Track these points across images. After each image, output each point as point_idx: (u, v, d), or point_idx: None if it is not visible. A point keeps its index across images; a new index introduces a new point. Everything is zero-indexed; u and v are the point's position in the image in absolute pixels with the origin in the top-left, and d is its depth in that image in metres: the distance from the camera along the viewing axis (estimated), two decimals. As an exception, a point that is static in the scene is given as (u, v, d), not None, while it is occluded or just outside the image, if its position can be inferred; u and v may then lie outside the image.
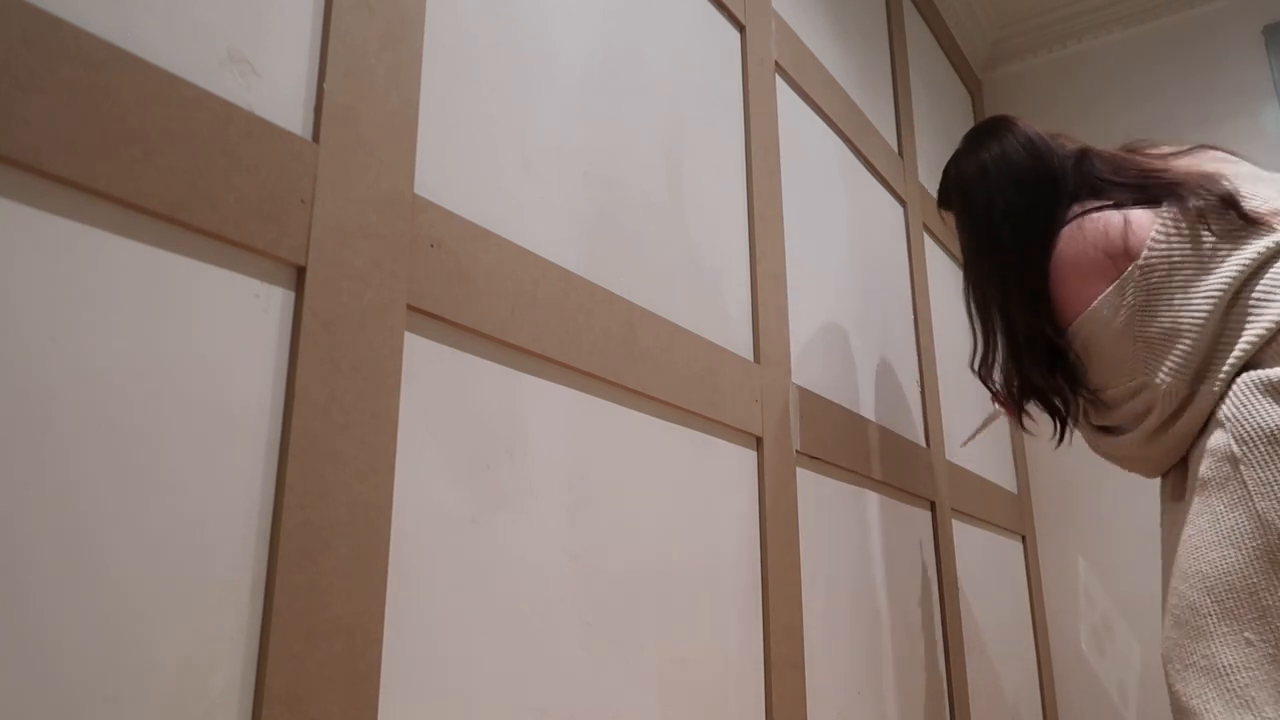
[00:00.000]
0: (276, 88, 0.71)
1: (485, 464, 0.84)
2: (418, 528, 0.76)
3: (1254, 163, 1.21)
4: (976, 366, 1.33)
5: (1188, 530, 1.06)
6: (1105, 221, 1.13)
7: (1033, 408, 1.32)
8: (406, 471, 0.76)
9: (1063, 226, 1.17)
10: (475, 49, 0.92)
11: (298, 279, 0.70)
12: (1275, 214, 1.07)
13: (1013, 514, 2.30)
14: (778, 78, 1.53)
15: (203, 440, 0.62)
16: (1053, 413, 1.26)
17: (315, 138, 0.73)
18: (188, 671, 0.59)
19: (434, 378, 0.81)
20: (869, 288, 1.76)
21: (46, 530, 0.54)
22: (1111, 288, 1.11)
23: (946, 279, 2.21)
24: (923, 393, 1.90)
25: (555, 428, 0.93)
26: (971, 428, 1.66)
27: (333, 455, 0.69)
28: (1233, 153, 1.21)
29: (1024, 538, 2.37)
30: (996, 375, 1.32)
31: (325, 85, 0.74)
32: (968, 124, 2.62)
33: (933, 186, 2.21)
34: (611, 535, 0.98)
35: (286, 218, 0.69)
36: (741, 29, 1.44)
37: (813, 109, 1.65)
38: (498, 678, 0.81)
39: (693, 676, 1.06)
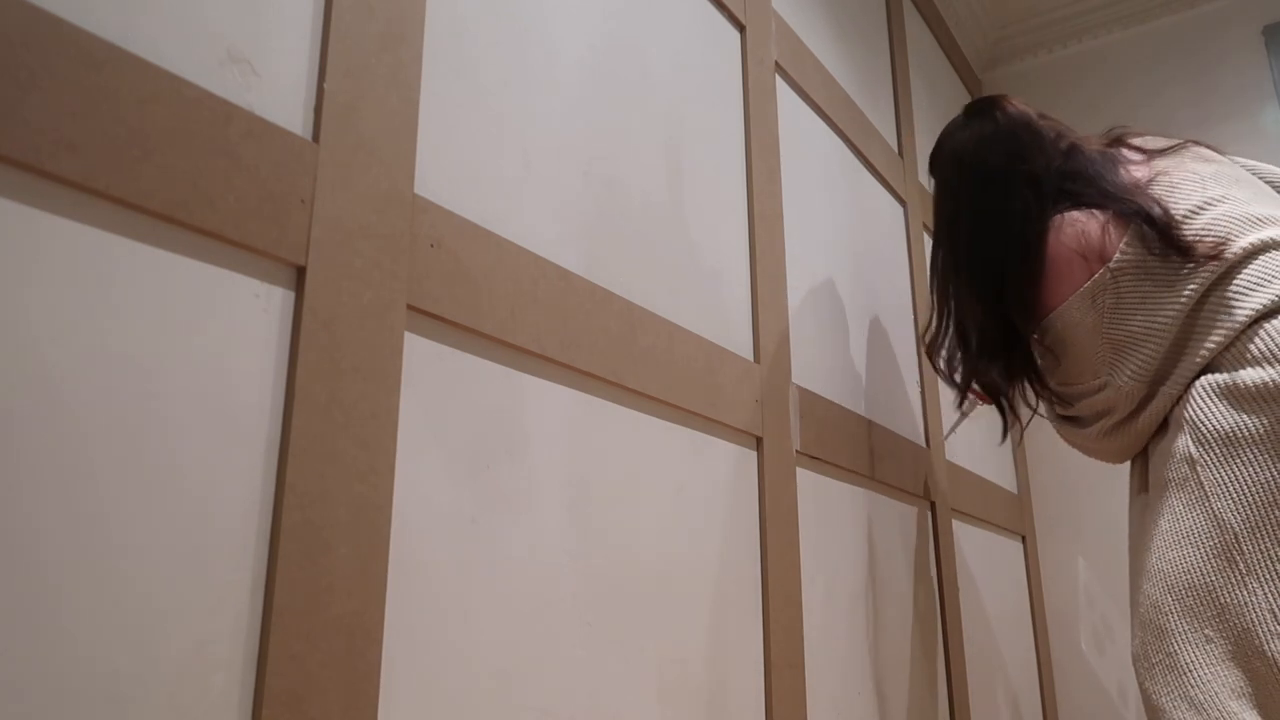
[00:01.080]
0: (276, 88, 0.71)
1: (485, 464, 0.84)
2: (418, 528, 0.76)
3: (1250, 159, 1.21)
4: (927, 342, 1.36)
5: (1150, 530, 1.08)
6: (1083, 224, 1.15)
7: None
8: (406, 471, 0.76)
9: (1043, 230, 1.17)
10: (475, 49, 0.92)
11: (298, 279, 0.70)
12: (1221, 242, 1.06)
13: (1013, 514, 2.30)
14: (778, 78, 1.53)
15: (203, 440, 0.62)
16: (999, 408, 1.30)
17: (315, 138, 0.73)
18: (188, 671, 0.59)
19: (434, 378, 0.81)
20: (869, 288, 1.76)
21: (45, 531, 0.54)
22: (1084, 288, 1.12)
23: (946, 279, 2.21)
24: (923, 393, 1.90)
25: (555, 428, 0.93)
26: (956, 419, 1.67)
27: (333, 455, 0.69)
28: (1216, 149, 1.21)
29: (1024, 538, 2.37)
30: (944, 355, 1.36)
31: (325, 85, 0.74)
32: (968, 124, 2.62)
33: (933, 186, 2.21)
34: (611, 535, 0.98)
35: (286, 218, 0.69)
36: (741, 29, 1.44)
37: (813, 109, 1.65)
38: (498, 677, 0.81)
39: (693, 676, 1.06)
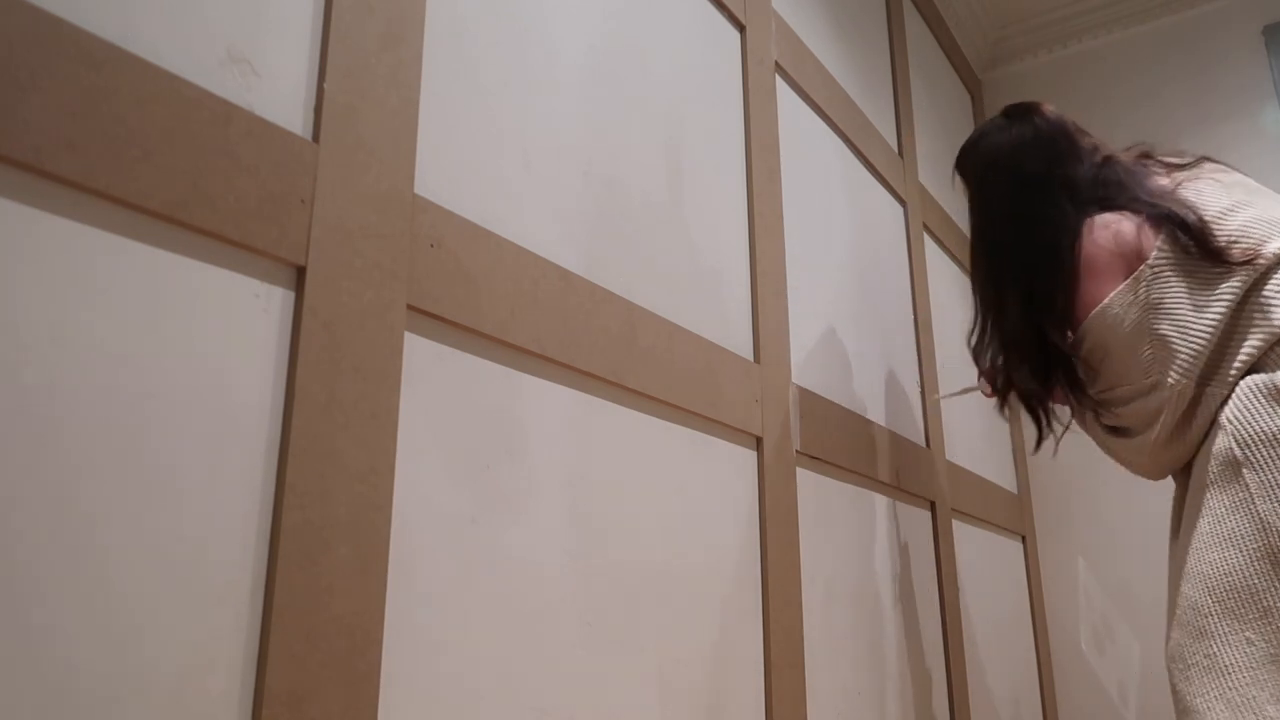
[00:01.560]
0: (276, 88, 0.71)
1: (485, 464, 0.84)
2: (418, 528, 0.76)
3: (1252, 166, 1.22)
4: (972, 344, 1.34)
5: (1190, 532, 1.07)
6: (1117, 225, 1.15)
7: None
8: (406, 471, 0.76)
9: (1076, 235, 1.17)
10: (475, 49, 0.92)
11: (298, 279, 0.70)
12: (1256, 245, 1.07)
13: (1013, 514, 2.30)
14: (778, 78, 1.53)
15: (203, 440, 0.62)
16: (1034, 416, 1.27)
17: (315, 138, 0.73)
18: (188, 671, 0.59)
19: (434, 378, 0.81)
20: (869, 288, 1.76)
21: (46, 530, 0.54)
22: (1124, 285, 1.12)
23: (947, 279, 2.21)
24: (923, 393, 1.90)
25: (555, 428, 0.93)
26: (957, 388, 1.64)
27: (333, 455, 0.69)
28: (1226, 164, 1.22)
29: (1024, 538, 2.37)
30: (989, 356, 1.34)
31: (325, 85, 0.74)
32: (968, 124, 2.62)
33: (933, 186, 2.21)
34: (611, 535, 0.98)
35: (286, 218, 0.69)
36: (741, 29, 1.44)
37: (813, 109, 1.65)
38: (498, 678, 0.81)
39: (693, 676, 1.06)
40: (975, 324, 1.33)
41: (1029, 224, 1.22)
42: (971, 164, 1.34)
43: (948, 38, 2.54)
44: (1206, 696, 0.99)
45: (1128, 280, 1.12)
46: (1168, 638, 1.08)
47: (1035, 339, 1.22)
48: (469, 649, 0.79)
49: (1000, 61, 2.76)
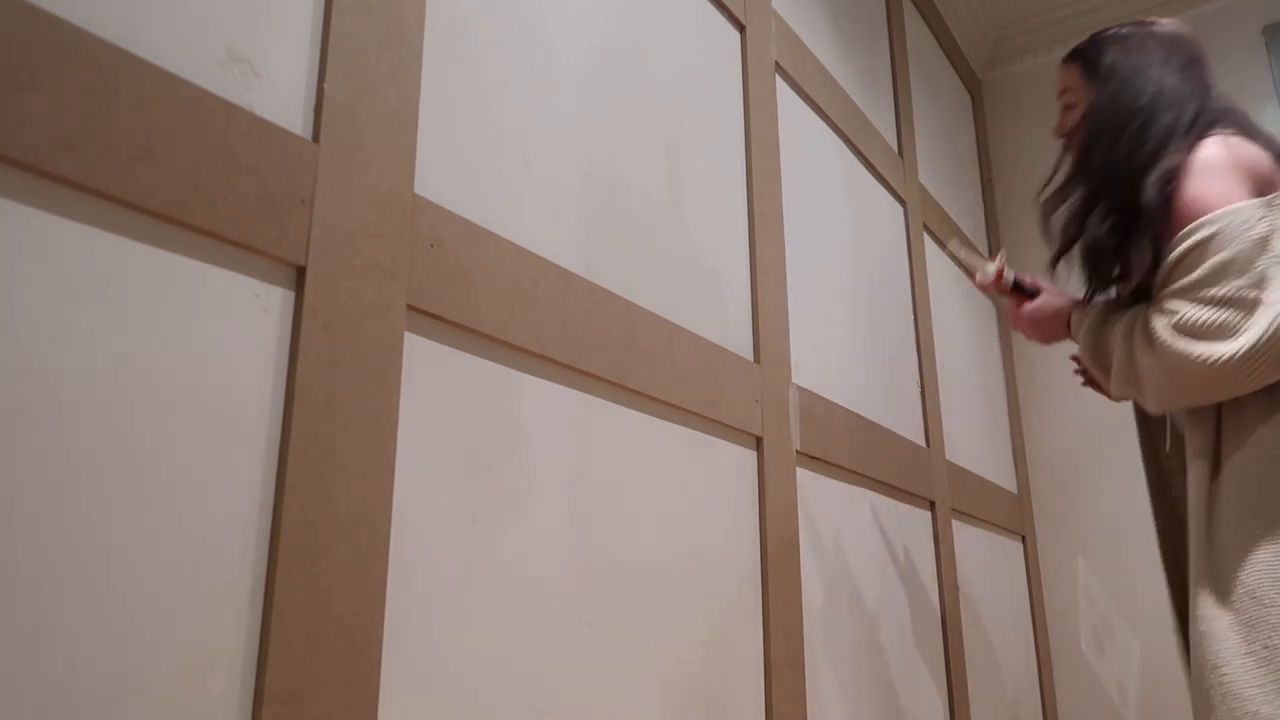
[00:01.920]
0: (276, 88, 0.71)
1: (485, 464, 0.84)
2: (418, 528, 0.76)
3: None
4: (1045, 199, 1.32)
5: (1245, 508, 1.05)
6: (1249, 148, 1.17)
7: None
8: (406, 471, 0.76)
9: (1204, 131, 1.19)
10: (475, 49, 0.92)
11: (298, 279, 0.70)
12: None
13: (1013, 514, 2.30)
14: (778, 78, 1.53)
15: (203, 440, 0.62)
16: (1090, 272, 1.25)
17: (315, 138, 0.73)
18: (188, 671, 0.59)
19: (434, 378, 0.81)
20: (869, 288, 1.76)
21: (46, 530, 0.54)
22: (1259, 199, 1.12)
23: (947, 279, 2.21)
24: (923, 393, 1.90)
25: (555, 428, 0.93)
26: (965, 256, 1.58)
27: (333, 455, 0.69)
28: None
29: (1024, 538, 2.37)
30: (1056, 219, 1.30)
31: (325, 85, 0.74)
32: (968, 124, 2.62)
33: (933, 186, 2.21)
34: (611, 535, 0.98)
35: (286, 218, 0.69)
36: (741, 29, 1.44)
37: (813, 109, 1.65)
38: (498, 677, 0.81)
39: (693, 676, 1.06)
40: (1053, 179, 1.32)
41: (1164, 98, 1.23)
42: (1110, 44, 1.33)
43: (948, 38, 2.54)
44: (1264, 686, 0.99)
45: (1262, 197, 1.12)
46: (1207, 617, 1.06)
47: (1130, 190, 1.20)
48: (469, 649, 0.79)
49: (1000, 61, 2.76)
